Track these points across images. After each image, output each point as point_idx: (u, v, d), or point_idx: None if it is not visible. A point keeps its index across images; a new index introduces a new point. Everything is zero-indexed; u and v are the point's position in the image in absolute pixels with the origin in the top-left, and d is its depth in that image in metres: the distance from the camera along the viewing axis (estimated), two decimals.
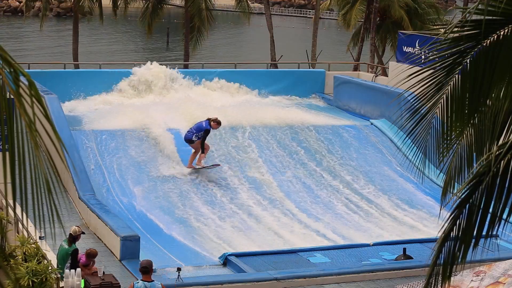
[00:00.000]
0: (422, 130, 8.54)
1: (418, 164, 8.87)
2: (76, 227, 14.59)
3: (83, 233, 14.75)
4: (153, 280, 12.87)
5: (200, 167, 21.54)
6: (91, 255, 14.36)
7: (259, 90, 29.28)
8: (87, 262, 14.34)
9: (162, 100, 26.46)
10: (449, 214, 7.13)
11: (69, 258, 14.10)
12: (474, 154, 8.25)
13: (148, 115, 23.95)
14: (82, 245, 15.13)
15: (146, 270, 12.82)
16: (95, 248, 14.83)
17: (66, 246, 14.20)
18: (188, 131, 21.65)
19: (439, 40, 8.07)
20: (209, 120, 21.62)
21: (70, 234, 14.29)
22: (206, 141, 21.53)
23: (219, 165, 21.90)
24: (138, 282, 12.77)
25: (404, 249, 16.95)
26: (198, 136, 21.35)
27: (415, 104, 8.42)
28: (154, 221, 19.06)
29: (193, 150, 21.69)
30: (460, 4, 68.79)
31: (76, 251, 14.16)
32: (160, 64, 28.66)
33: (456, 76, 8.06)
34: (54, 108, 21.60)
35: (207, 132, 21.43)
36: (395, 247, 17.75)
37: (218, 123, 21.75)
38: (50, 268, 13.36)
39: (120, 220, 17.06)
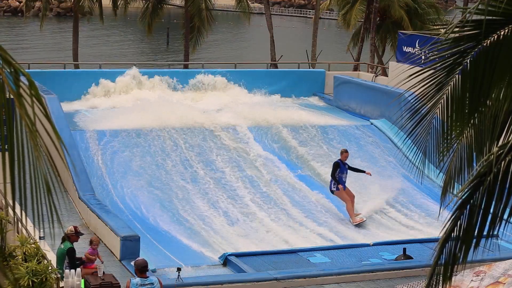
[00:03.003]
0: (422, 130, 8.53)
1: (418, 164, 8.86)
2: (72, 226, 14.65)
3: (81, 233, 14.74)
4: (148, 276, 12.99)
5: (357, 222, 19.74)
6: (91, 242, 14.64)
7: (259, 90, 29.28)
8: (91, 251, 14.63)
9: (160, 99, 26.48)
10: (450, 214, 7.13)
11: (66, 258, 14.21)
12: (474, 154, 8.24)
13: (147, 115, 23.95)
14: (82, 245, 15.14)
15: (145, 269, 12.95)
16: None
17: (62, 246, 14.30)
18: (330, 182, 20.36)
19: (439, 40, 8.06)
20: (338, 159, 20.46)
21: (65, 233, 14.43)
22: (348, 190, 20.06)
23: (364, 220, 20.02)
24: (135, 279, 12.88)
25: (404, 249, 16.95)
26: (336, 184, 19.92)
27: (415, 104, 8.42)
28: (154, 221, 19.05)
29: (344, 203, 20.10)
30: (460, 4, 68.80)
31: (70, 249, 14.22)
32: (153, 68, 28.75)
33: (456, 76, 8.05)
34: (54, 108, 21.61)
35: (335, 165, 20.07)
36: (395, 247, 17.75)
37: (344, 151, 20.41)
38: (50, 268, 13.36)
39: (120, 220, 17.05)
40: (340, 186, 19.90)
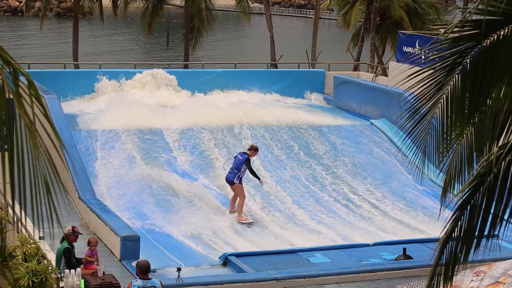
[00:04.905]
0: (422, 130, 8.53)
1: (418, 164, 8.86)
2: (70, 226, 14.65)
3: (79, 233, 14.74)
4: (151, 278, 12.92)
5: (242, 221, 19.29)
6: (89, 243, 14.63)
7: (258, 90, 29.28)
8: (89, 253, 14.60)
9: (160, 100, 26.51)
10: (450, 215, 7.12)
11: (62, 258, 14.23)
12: (474, 154, 8.24)
13: (147, 115, 23.97)
14: (82, 245, 15.14)
15: (148, 270, 12.86)
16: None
17: (60, 246, 14.33)
18: (229, 172, 19.85)
19: (439, 40, 8.06)
20: (243, 152, 20.13)
21: (64, 233, 14.45)
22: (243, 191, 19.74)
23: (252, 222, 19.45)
24: (136, 281, 12.80)
25: (404, 249, 16.94)
26: (240, 177, 19.60)
27: (415, 104, 8.41)
28: (154, 221, 19.03)
29: (233, 193, 19.85)
30: (460, 4, 68.80)
31: (65, 249, 14.23)
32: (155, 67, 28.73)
33: (456, 76, 8.05)
34: (54, 108, 21.60)
35: (248, 161, 19.65)
36: (395, 247, 17.73)
37: (254, 149, 20.09)
38: (50, 268, 13.35)
39: (120, 220, 17.04)
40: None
